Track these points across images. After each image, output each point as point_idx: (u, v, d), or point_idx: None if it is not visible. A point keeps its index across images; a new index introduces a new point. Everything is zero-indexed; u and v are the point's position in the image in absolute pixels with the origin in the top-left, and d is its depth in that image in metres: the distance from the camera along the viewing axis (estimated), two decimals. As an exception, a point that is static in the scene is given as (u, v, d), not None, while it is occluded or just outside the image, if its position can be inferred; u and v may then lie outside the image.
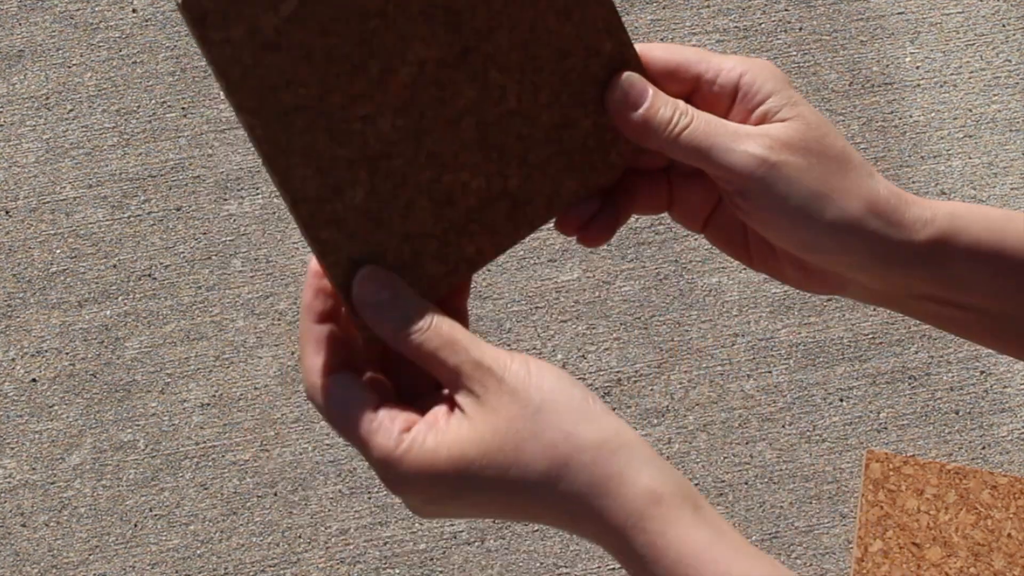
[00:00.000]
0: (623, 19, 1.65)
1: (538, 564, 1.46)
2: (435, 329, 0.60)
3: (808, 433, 1.51)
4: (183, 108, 1.61)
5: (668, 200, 0.68)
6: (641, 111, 0.64)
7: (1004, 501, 1.41)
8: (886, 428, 1.51)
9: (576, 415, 0.59)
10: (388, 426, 0.59)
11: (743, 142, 0.63)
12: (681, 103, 0.64)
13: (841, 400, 1.52)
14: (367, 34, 0.59)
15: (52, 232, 1.57)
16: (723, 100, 0.65)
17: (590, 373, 1.52)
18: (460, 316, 0.64)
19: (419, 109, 0.61)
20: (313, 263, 0.62)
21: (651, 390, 1.52)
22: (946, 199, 1.59)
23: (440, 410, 0.60)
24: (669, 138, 0.64)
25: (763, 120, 0.64)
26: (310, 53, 0.59)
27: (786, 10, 1.65)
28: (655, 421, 1.51)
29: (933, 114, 1.62)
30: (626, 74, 0.65)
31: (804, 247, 0.64)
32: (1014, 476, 1.43)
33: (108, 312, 1.55)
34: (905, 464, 1.44)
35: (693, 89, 0.66)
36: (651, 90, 0.64)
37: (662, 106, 0.64)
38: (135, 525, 1.49)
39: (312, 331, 0.61)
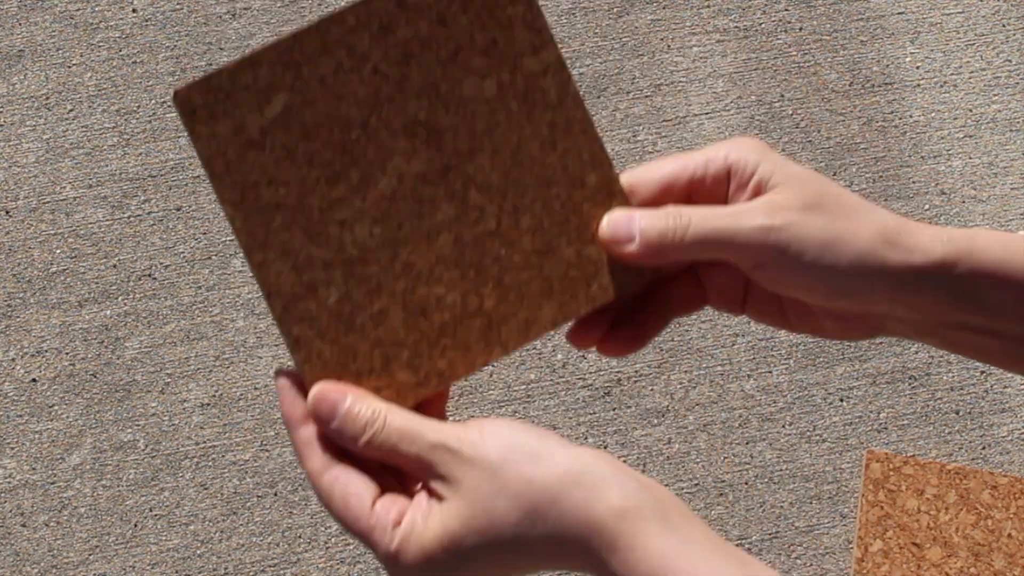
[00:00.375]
0: (624, 19, 1.65)
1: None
2: (388, 426, 0.62)
3: (808, 433, 1.51)
4: (183, 108, 1.62)
5: (702, 295, 0.69)
6: (636, 242, 0.65)
7: (1004, 501, 1.42)
8: (886, 428, 1.51)
9: (533, 459, 0.60)
10: (383, 521, 0.61)
11: (744, 218, 0.64)
12: (671, 207, 0.65)
13: (841, 400, 1.52)
14: (349, 144, 0.61)
15: (52, 232, 1.57)
16: (720, 188, 0.67)
17: (590, 373, 1.52)
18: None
19: (397, 220, 0.63)
20: (280, 379, 0.64)
21: (651, 390, 1.52)
22: (946, 199, 1.59)
23: (422, 496, 0.62)
24: (675, 246, 0.65)
25: (759, 191, 0.66)
26: (292, 155, 0.61)
27: (786, 10, 1.65)
28: (655, 421, 1.51)
29: (933, 114, 1.62)
30: (607, 216, 0.66)
31: (833, 295, 0.65)
32: (1014, 476, 1.43)
33: (108, 312, 1.55)
34: (905, 464, 1.44)
35: (690, 192, 0.67)
36: (636, 215, 0.65)
37: (655, 220, 0.65)
38: (135, 525, 1.49)
39: (300, 436, 0.63)
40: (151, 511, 1.49)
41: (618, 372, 1.53)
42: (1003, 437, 1.51)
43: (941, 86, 1.63)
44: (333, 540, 1.47)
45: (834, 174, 1.59)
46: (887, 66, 1.63)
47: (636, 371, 1.53)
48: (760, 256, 0.64)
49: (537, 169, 0.64)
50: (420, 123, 0.63)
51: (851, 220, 0.65)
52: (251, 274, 1.56)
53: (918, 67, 1.64)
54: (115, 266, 1.56)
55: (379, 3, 0.62)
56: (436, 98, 0.63)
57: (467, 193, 0.63)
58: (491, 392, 1.50)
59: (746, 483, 1.50)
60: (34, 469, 1.50)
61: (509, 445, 0.61)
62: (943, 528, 1.41)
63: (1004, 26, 1.65)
